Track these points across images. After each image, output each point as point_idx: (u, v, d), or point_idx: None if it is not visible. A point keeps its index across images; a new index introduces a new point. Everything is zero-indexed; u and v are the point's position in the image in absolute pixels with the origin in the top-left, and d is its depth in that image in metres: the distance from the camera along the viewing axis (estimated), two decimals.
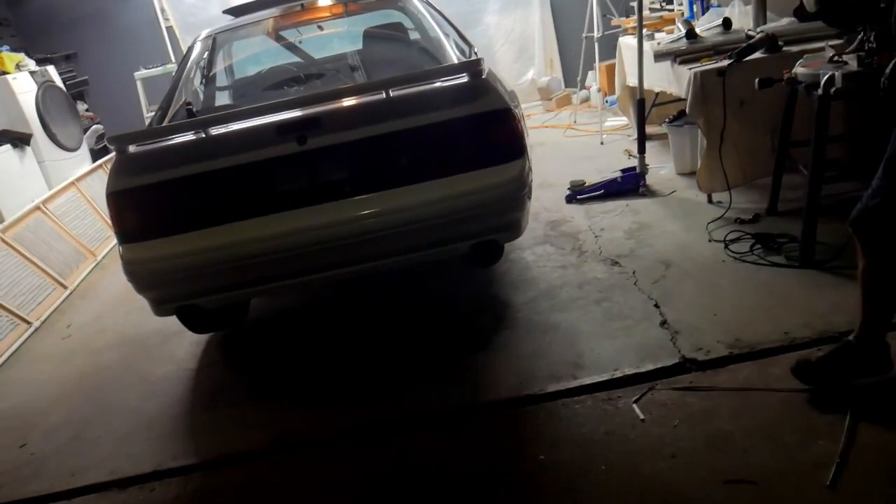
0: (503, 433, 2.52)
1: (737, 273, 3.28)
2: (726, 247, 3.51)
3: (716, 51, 3.90)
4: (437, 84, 2.77)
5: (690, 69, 3.82)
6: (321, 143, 2.65)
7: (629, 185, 4.56)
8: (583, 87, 7.20)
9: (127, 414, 3.16)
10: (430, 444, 2.53)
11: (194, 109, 3.07)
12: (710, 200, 4.13)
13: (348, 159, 2.74)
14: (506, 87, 3.10)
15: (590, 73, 7.13)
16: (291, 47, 4.37)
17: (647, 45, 4.54)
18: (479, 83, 2.75)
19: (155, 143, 2.75)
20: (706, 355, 2.67)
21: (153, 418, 3.08)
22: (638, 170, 4.58)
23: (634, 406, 2.48)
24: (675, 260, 3.53)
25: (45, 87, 6.52)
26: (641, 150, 4.57)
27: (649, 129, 5.03)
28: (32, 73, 6.52)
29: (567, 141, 6.42)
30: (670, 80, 4.21)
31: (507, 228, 2.87)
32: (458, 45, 3.83)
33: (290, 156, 2.65)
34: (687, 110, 3.90)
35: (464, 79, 2.74)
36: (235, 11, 4.37)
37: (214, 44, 3.98)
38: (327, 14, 4.11)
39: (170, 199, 2.71)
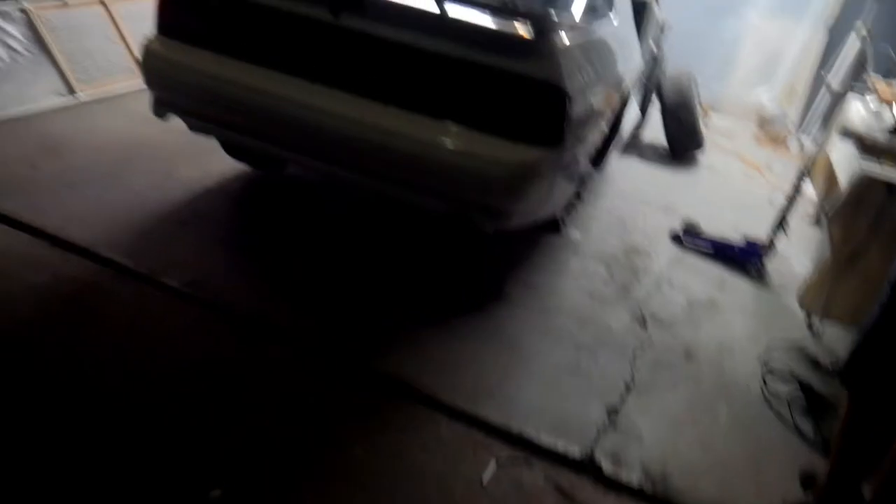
0: (350, 408, 2.28)
1: (749, 410, 2.70)
2: (764, 375, 2.89)
3: None
4: (497, 25, 2.34)
5: (863, 164, 3.05)
6: (352, 25, 2.40)
7: (742, 258, 3.88)
8: (807, 136, 6.19)
9: (123, 192, 3.26)
10: (298, 375, 2.36)
11: None
12: (808, 320, 3.41)
13: (367, 56, 2.47)
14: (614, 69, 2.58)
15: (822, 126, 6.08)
16: None
17: (857, 111, 3.71)
18: (537, 42, 2.31)
19: None
20: (613, 470, 2.22)
21: (136, 206, 3.15)
22: (761, 247, 3.86)
23: (491, 465, 2.13)
24: (702, 358, 2.97)
25: None
26: (776, 230, 3.83)
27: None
28: None
29: (740, 181, 5.59)
30: (845, 166, 3.42)
31: (489, 212, 2.48)
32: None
33: (317, 22, 2.43)
34: (827, 208, 3.15)
35: (523, 29, 2.31)
36: None
37: None
38: None
39: (200, 10, 2.60)
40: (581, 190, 3.40)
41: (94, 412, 2.05)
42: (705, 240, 3.99)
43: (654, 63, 5.05)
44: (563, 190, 2.79)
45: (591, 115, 2.68)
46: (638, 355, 2.87)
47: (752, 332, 3.27)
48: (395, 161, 2.41)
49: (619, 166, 5.14)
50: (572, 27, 2.60)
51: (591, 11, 2.94)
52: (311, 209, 3.55)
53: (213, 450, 2.01)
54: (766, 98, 7.16)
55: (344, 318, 2.70)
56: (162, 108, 2.76)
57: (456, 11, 2.34)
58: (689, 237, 4.02)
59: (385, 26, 2.39)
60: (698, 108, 5.54)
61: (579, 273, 3.44)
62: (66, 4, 4.29)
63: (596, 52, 2.84)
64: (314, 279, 2.92)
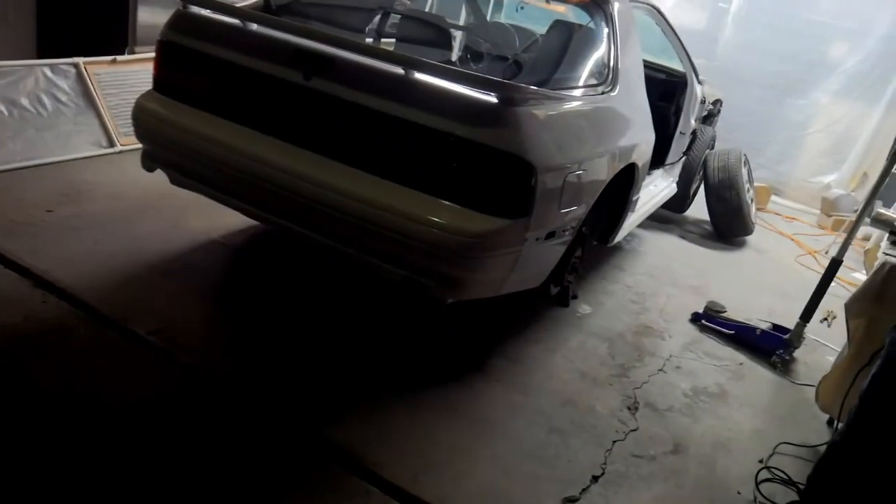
0: (283, 472, 2.16)
1: None
2: (758, 484, 2.58)
3: None
4: (462, 90, 2.28)
5: (888, 252, 2.77)
6: (322, 87, 2.40)
7: (765, 345, 3.57)
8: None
9: (124, 239, 3.32)
10: (238, 434, 2.27)
11: (272, 3, 2.95)
12: (830, 423, 3.06)
13: (332, 118, 2.46)
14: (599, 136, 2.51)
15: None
16: None
17: None
18: (501, 111, 2.22)
19: (210, 11, 2.69)
20: None
21: (131, 253, 3.19)
22: (788, 337, 3.54)
23: None
24: (693, 453, 2.70)
25: None
26: (806, 316, 3.51)
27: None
28: None
29: (790, 266, 5.22)
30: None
31: (444, 281, 2.36)
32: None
33: (290, 84, 2.44)
34: (847, 301, 2.85)
35: (490, 98, 2.23)
36: None
37: None
38: None
39: (187, 68, 2.68)
40: (573, 262, 3.23)
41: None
42: (726, 322, 3.70)
43: (693, 139, 4.86)
44: (537, 262, 2.65)
45: (575, 188, 2.55)
46: (617, 444, 2.63)
47: (759, 429, 2.96)
48: (350, 223, 2.36)
49: (656, 242, 4.93)
50: (549, 98, 2.52)
51: (584, 83, 2.85)
52: (301, 266, 3.51)
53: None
54: (833, 182, 6.77)
55: (303, 381, 2.61)
56: (147, 160, 2.83)
57: (423, 77, 2.31)
58: (710, 320, 3.74)
59: (351, 90, 2.39)
60: (747, 187, 5.26)
61: (576, 350, 3.23)
62: (115, 61, 4.55)
63: (586, 124, 2.74)
64: (283, 338, 2.85)
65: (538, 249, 2.50)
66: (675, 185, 4.88)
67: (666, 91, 4.45)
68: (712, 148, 5.38)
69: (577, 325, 3.49)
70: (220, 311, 2.96)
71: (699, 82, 4.59)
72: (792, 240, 5.90)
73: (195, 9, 2.65)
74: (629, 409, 2.88)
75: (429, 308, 2.70)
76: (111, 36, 4.63)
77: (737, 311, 3.87)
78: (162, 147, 2.75)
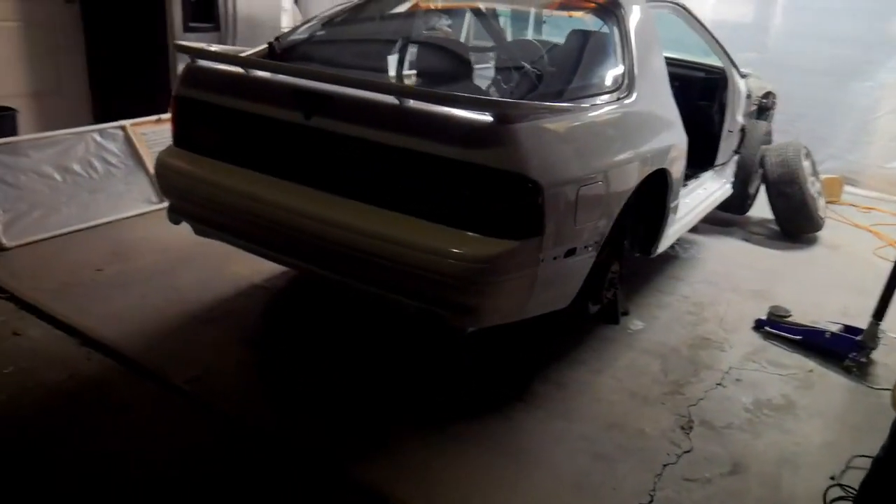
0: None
1: None
2: (828, 503, 2.36)
3: None
4: (458, 113, 2.22)
5: None
6: (322, 125, 2.39)
7: (837, 348, 3.30)
8: None
9: (167, 291, 3.41)
10: (267, 478, 2.25)
11: (277, 48, 2.97)
12: None
13: (333, 154, 2.46)
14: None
15: None
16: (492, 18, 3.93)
17: None
18: (497, 130, 2.14)
19: (218, 63, 2.74)
20: None
21: (174, 303, 3.27)
22: (861, 338, 3.27)
23: None
24: (753, 472, 2.51)
25: None
26: (879, 314, 3.23)
27: None
28: None
29: (868, 261, 4.85)
30: None
31: (458, 310, 2.28)
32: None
33: (292, 124, 2.46)
34: None
35: (485, 117, 2.16)
36: None
37: None
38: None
39: (199, 120, 2.74)
40: (611, 278, 3.09)
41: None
42: (792, 327, 3.46)
43: (743, 136, 4.63)
44: (561, 282, 2.54)
45: (592, 200, 2.45)
46: (668, 468, 2.47)
47: (831, 441, 2.73)
48: (353, 256, 2.33)
49: (716, 247, 4.69)
50: (552, 110, 2.43)
51: (597, 91, 2.75)
52: (337, 303, 3.49)
53: None
54: None
55: (334, 421, 2.58)
56: (172, 213, 2.89)
57: (418, 104, 2.27)
58: (775, 326, 3.51)
59: (350, 125, 2.38)
60: (811, 180, 4.96)
61: (625, 369, 3.08)
62: (160, 120, 4.73)
63: (599, 133, 2.63)
64: (317, 379, 2.83)
65: (558, 268, 2.39)
66: (729, 186, 4.64)
67: (706, 89, 4.26)
68: (769, 143, 5.11)
69: (628, 342, 3.33)
70: (256, 354, 2.98)
71: (741, 76, 4.37)
72: (870, 231, 5.50)
73: (203, 62, 2.72)
74: (682, 428, 2.71)
75: (447, 338, 2.62)
76: (155, 97, 4.81)
77: (805, 314, 3.62)
78: (181, 198, 2.81)
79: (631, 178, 2.71)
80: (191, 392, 2.65)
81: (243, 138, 2.67)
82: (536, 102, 2.45)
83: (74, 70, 5.47)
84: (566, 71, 2.89)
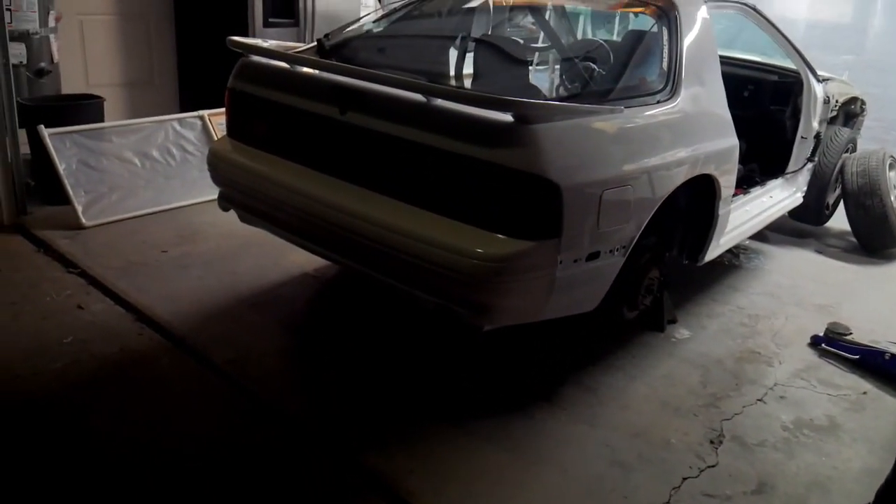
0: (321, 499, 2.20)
1: None
2: None
3: None
4: (481, 112, 2.23)
5: None
6: (356, 120, 2.47)
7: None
8: None
9: (224, 275, 3.59)
10: (285, 462, 2.36)
11: (325, 44, 3.05)
12: None
13: (364, 149, 2.52)
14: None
15: None
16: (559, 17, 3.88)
17: None
18: (517, 130, 2.14)
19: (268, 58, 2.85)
20: None
21: (228, 287, 3.44)
22: None
23: None
24: (780, 493, 2.41)
25: None
26: None
27: None
28: None
29: None
30: None
31: (474, 308, 2.29)
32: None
33: (329, 119, 2.54)
34: None
35: (505, 117, 2.16)
36: None
37: None
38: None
39: (249, 113, 2.88)
40: (648, 284, 3.02)
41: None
42: (852, 346, 3.28)
43: (817, 143, 4.39)
44: (583, 284, 2.50)
45: (618, 205, 2.42)
46: (687, 481, 2.41)
47: (872, 468, 2.57)
48: (377, 249, 2.40)
49: (785, 258, 4.49)
50: (575, 112, 2.40)
51: (637, 93, 2.69)
52: (381, 300, 3.57)
53: None
54: None
55: (359, 408, 2.66)
56: (221, 200, 3.04)
57: (444, 103, 2.31)
58: (830, 343, 3.34)
59: (380, 121, 2.45)
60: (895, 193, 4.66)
61: (662, 378, 3.01)
62: None
63: (629, 137, 2.58)
64: (350, 367, 2.92)
65: (579, 271, 2.37)
66: (800, 195, 4.42)
67: (779, 93, 4.08)
68: (851, 151, 4.83)
69: (670, 350, 3.25)
70: (295, 340, 3.10)
71: (819, 81, 4.15)
72: None
73: (255, 57, 2.85)
74: (711, 442, 2.63)
75: (462, 336, 2.65)
76: None
77: (871, 334, 3.43)
78: (228, 186, 2.96)
79: (665, 184, 2.64)
80: (228, 372, 2.79)
81: (286, 131, 2.79)
82: (556, 103, 2.44)
83: (166, 62, 5.82)
84: (614, 72, 2.85)
